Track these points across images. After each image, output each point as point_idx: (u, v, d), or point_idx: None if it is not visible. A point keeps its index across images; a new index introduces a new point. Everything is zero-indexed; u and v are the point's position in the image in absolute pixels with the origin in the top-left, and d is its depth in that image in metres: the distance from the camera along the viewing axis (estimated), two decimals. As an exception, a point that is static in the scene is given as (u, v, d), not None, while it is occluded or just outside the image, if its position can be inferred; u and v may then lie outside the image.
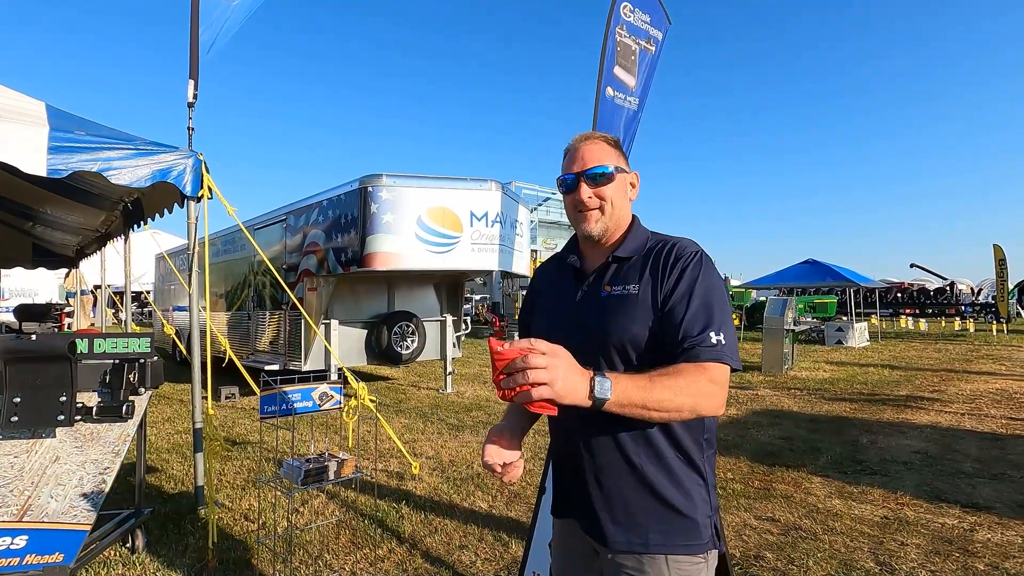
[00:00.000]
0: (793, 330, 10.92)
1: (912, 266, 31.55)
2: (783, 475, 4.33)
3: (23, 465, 2.76)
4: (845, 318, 18.58)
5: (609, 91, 6.95)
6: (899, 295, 31.11)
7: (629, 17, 6.89)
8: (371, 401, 4.17)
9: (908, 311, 27.17)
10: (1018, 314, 26.10)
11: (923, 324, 21.27)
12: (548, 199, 17.82)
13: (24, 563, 2.41)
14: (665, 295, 1.18)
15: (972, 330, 19.51)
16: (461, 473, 4.45)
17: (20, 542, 2.48)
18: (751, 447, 5.12)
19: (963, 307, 27.18)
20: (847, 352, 13.79)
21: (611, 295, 1.25)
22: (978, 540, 3.22)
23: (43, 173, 3.02)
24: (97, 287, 12.33)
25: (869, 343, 15.95)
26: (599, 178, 1.28)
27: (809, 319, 18.52)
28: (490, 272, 7.11)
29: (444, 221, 6.52)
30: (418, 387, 8.80)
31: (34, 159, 3.00)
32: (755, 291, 23.37)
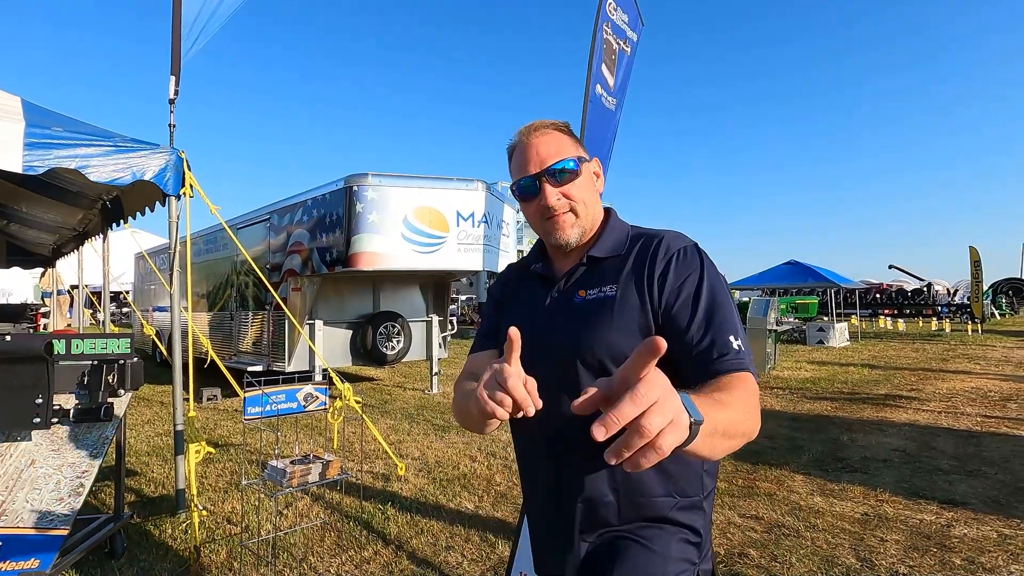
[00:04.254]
0: (776, 330, 11.07)
1: (891, 267, 32.20)
2: (766, 473, 4.38)
3: (-2, 469, 2.68)
4: (826, 318, 18.88)
5: (597, 88, 6.97)
6: (878, 296, 31.69)
7: (613, 15, 6.93)
8: (356, 402, 4.14)
9: (887, 311, 27.70)
10: (992, 314, 26.74)
11: (901, 324, 21.69)
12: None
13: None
14: (663, 300, 1.01)
15: (948, 330, 19.94)
16: (447, 474, 4.43)
17: (-6, 548, 2.42)
18: (735, 446, 5.18)
19: (940, 307, 27.77)
20: (828, 352, 14.01)
21: (587, 300, 1.06)
22: (955, 535, 3.29)
23: (19, 169, 2.95)
24: (74, 287, 12.08)
25: (849, 343, 16.22)
26: (563, 175, 1.07)
27: (791, 319, 18.79)
28: (476, 272, 7.10)
29: (430, 221, 6.51)
30: (403, 388, 8.75)
31: (9, 155, 2.93)
32: (739, 291, 23.64)
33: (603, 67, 6.57)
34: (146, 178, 3.32)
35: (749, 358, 0.97)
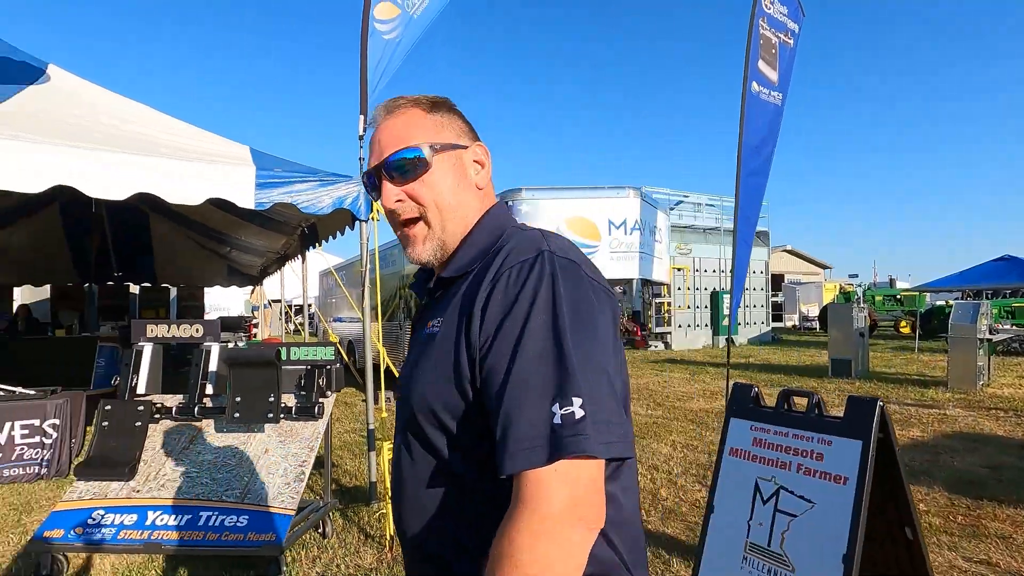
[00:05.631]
0: (989, 339, 9.30)
1: None
2: (994, 511, 3.68)
3: (242, 455, 3.23)
4: (1057, 325, 15.42)
5: (755, 86, 6.51)
6: None
7: (769, 9, 6.45)
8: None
9: None
10: None
11: None
12: (680, 202, 17.09)
13: (247, 539, 2.81)
14: (481, 343, 0.73)
15: None
16: (610, 485, 4.40)
17: (243, 521, 2.90)
18: (946, 476, 4.44)
19: None
20: (1064, 366, 11.42)
21: (426, 335, 0.84)
22: None
23: (251, 206, 3.55)
24: (275, 301, 14.20)
25: (1095, 355, 13.07)
26: (403, 169, 0.83)
27: (1008, 326, 15.66)
28: (630, 281, 6.98)
29: (582, 231, 6.55)
30: (555, 396, 8.88)
31: (245, 195, 3.55)
32: (930, 294, 20.34)
33: (760, 63, 6.15)
34: (344, 206, 3.80)
35: (582, 427, 0.65)
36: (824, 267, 33.24)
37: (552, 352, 0.68)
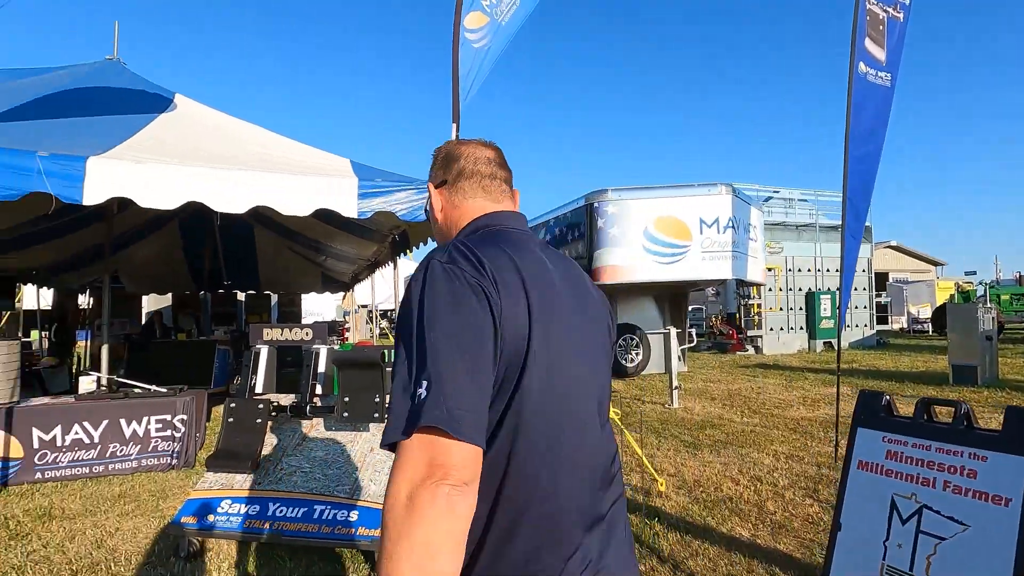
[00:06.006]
0: None
1: None
2: None
3: (350, 453, 3.39)
4: None
5: (862, 67, 6.04)
6: None
7: (876, -18, 5.94)
8: (615, 413, 4.21)
9: None
10: None
11: None
12: (770, 198, 16.17)
13: (358, 534, 2.93)
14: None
15: None
16: (710, 495, 4.21)
17: (354, 516, 3.03)
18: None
19: None
20: None
21: None
22: None
23: (355, 215, 3.74)
24: (363, 306, 14.89)
25: None
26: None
27: None
28: (723, 281, 6.68)
29: (672, 230, 6.35)
30: (642, 401, 8.64)
31: (349, 205, 3.74)
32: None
33: (867, 41, 5.69)
34: (438, 213, 3.91)
35: (437, 406, 0.75)
36: (935, 264, 30.29)
37: (416, 347, 0.82)
